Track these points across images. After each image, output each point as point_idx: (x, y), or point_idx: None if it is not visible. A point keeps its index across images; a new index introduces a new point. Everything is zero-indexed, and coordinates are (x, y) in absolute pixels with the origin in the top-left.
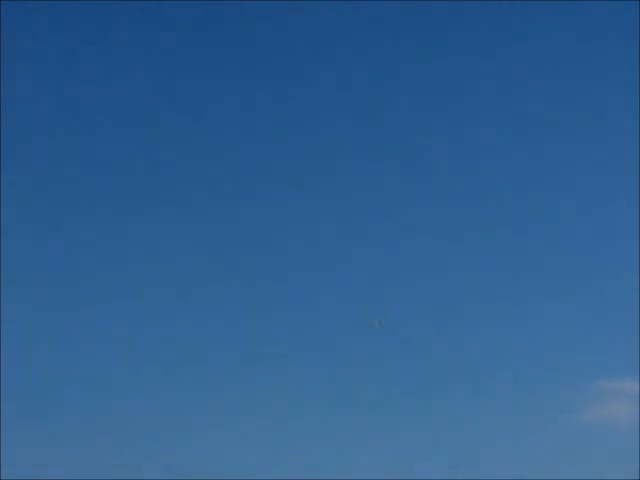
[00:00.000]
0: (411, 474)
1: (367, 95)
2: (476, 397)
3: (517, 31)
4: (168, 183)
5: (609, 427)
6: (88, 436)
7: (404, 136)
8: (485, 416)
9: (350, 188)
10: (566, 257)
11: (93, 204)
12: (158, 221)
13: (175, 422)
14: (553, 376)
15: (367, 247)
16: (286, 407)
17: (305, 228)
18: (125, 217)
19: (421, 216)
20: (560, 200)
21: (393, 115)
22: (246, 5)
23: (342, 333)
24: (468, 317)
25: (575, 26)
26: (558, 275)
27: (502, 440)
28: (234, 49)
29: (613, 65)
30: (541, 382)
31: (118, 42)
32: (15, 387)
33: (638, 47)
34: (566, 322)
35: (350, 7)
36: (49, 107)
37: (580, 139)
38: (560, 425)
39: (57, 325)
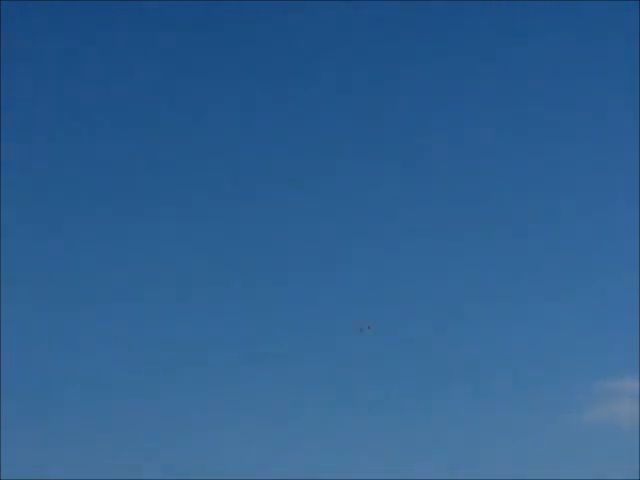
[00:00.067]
0: (411, 474)
1: (367, 95)
2: (476, 397)
3: (517, 31)
4: (168, 183)
5: (611, 426)
6: (88, 436)
7: (404, 136)
8: (485, 416)
9: (350, 188)
10: (566, 257)
11: (93, 204)
12: (158, 221)
13: (175, 422)
14: (554, 376)
15: (367, 247)
16: (286, 407)
17: (305, 228)
18: (125, 217)
19: (421, 216)
20: (560, 200)
21: (393, 115)
22: (246, 5)
23: (342, 333)
24: (468, 317)
25: (575, 26)
26: (558, 275)
27: (502, 440)
28: (234, 49)
29: (613, 65)
30: (542, 382)
31: (118, 42)
32: (15, 387)
33: (638, 47)
34: (566, 322)
35: (350, 7)
36: (49, 107)
37: (580, 139)
38: (562, 425)
39: (57, 325)
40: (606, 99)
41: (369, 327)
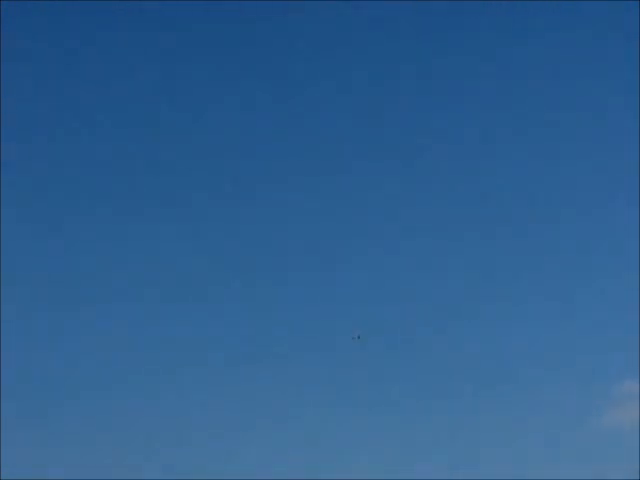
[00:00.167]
0: (411, 474)
1: (367, 95)
2: (476, 397)
3: (517, 31)
4: (168, 183)
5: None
6: (88, 436)
7: (404, 136)
8: (485, 416)
9: (350, 188)
10: (566, 257)
11: (93, 204)
12: (158, 221)
13: (175, 422)
14: (553, 376)
15: (367, 247)
16: (286, 407)
17: (305, 228)
18: (125, 217)
19: (421, 216)
20: (560, 200)
21: (393, 115)
22: (246, 5)
23: (342, 333)
24: (468, 317)
25: (575, 26)
26: (558, 275)
27: (502, 440)
28: (234, 49)
29: (613, 65)
30: (542, 382)
31: (118, 42)
32: (15, 387)
33: (638, 47)
34: (566, 322)
35: (350, 7)
36: (49, 107)
37: (580, 139)
38: (562, 425)
39: (57, 325)
40: (606, 99)
41: (359, 336)
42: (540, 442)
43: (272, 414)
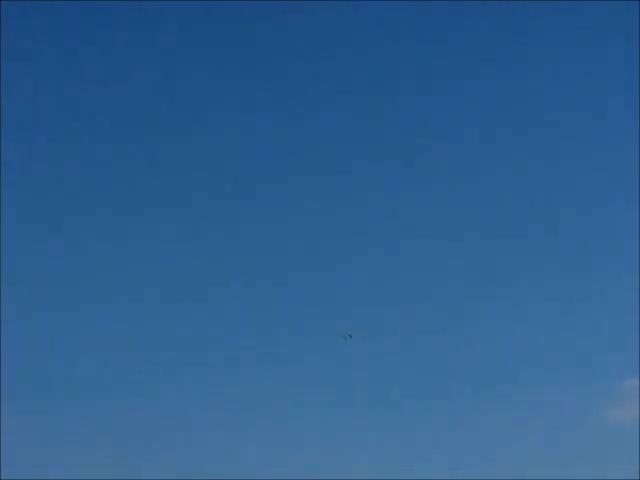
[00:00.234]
0: (411, 474)
1: (367, 95)
2: (476, 397)
3: (517, 31)
4: (168, 183)
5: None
6: (88, 436)
7: (404, 136)
8: (485, 416)
9: (350, 188)
10: (566, 257)
11: (93, 204)
12: (158, 221)
13: (175, 422)
14: (553, 376)
15: (367, 247)
16: (286, 407)
17: (305, 228)
18: (125, 217)
19: (421, 216)
20: (560, 200)
21: (393, 115)
22: (246, 5)
23: (347, 331)
24: (468, 317)
25: (575, 26)
26: (558, 275)
27: (502, 440)
28: (234, 49)
29: (613, 65)
30: (541, 382)
31: (118, 42)
32: (15, 387)
33: (638, 47)
34: (565, 322)
35: (350, 7)
36: (49, 107)
37: (580, 139)
38: (562, 425)
39: (57, 325)
40: (606, 99)
41: (350, 335)
42: (540, 442)
43: (272, 414)
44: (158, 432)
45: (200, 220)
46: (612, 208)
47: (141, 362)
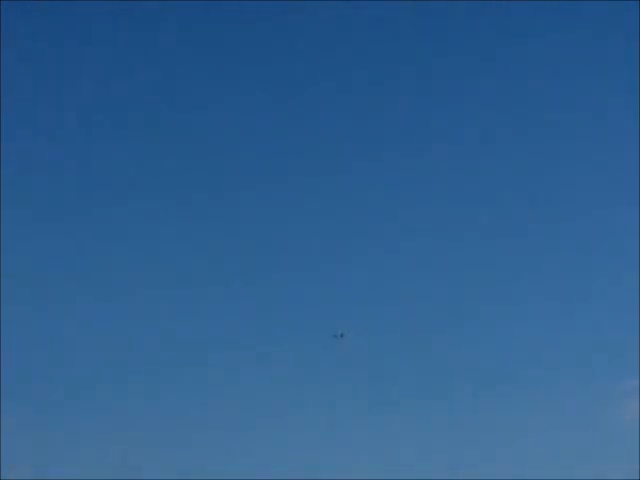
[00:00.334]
0: (411, 474)
1: (367, 95)
2: (476, 397)
3: (517, 31)
4: (168, 183)
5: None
6: (88, 436)
7: (404, 136)
8: (485, 416)
9: (350, 188)
10: (566, 257)
11: (93, 204)
12: (158, 221)
13: (175, 422)
14: (552, 377)
15: (367, 247)
16: (286, 407)
17: (305, 228)
18: (125, 217)
19: (421, 216)
20: (560, 200)
21: (393, 115)
22: (246, 5)
23: (346, 331)
24: (468, 317)
25: (575, 26)
26: (558, 275)
27: (502, 440)
28: (234, 49)
29: (613, 65)
30: (541, 382)
31: (118, 42)
32: (15, 387)
33: (638, 47)
34: (565, 322)
35: (350, 7)
36: (49, 107)
37: (580, 139)
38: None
39: (57, 325)
40: (606, 99)
41: (341, 335)
42: (540, 442)
43: (272, 414)
44: (158, 432)
45: (200, 220)
46: (612, 208)
47: (141, 362)
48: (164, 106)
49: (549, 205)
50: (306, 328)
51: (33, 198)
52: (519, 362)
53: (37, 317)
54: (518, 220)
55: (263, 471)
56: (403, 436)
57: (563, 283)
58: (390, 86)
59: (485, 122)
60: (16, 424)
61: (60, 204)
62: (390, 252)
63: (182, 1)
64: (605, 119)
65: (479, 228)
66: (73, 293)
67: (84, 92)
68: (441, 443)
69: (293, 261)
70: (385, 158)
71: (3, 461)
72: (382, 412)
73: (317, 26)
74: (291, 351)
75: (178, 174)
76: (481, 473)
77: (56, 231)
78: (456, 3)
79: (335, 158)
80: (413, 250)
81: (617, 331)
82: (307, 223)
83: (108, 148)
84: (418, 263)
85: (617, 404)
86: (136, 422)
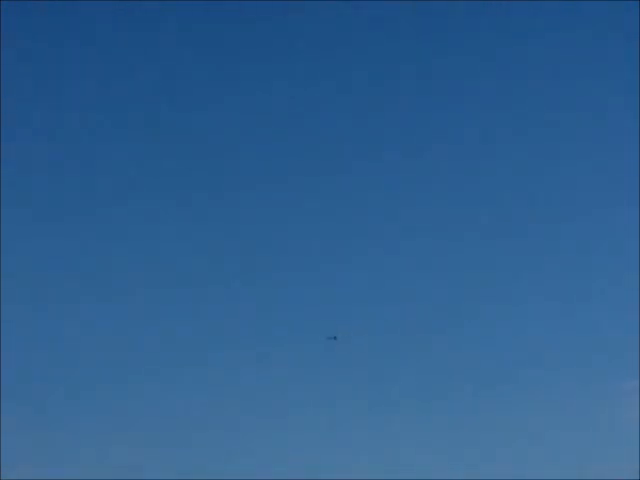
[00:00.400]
0: (411, 474)
1: (367, 95)
2: (476, 397)
3: (517, 31)
4: (168, 183)
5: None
6: (88, 436)
7: (404, 136)
8: (485, 416)
9: (350, 188)
10: (566, 257)
11: (93, 204)
12: (158, 221)
13: (175, 422)
14: (552, 377)
15: (367, 247)
16: (286, 407)
17: (305, 228)
18: (125, 217)
19: (421, 216)
20: (560, 200)
21: (393, 115)
22: (246, 5)
23: (342, 333)
24: (468, 317)
25: (575, 26)
26: (558, 275)
27: (502, 440)
28: (234, 49)
29: (613, 65)
30: (540, 382)
31: (118, 42)
32: (15, 387)
33: (638, 47)
34: (565, 322)
35: (350, 7)
36: (49, 107)
37: (580, 139)
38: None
39: (57, 325)
40: (606, 99)
41: (335, 337)
42: (540, 442)
43: (272, 414)
44: (158, 432)
45: (200, 220)
46: (612, 208)
47: (141, 362)
48: (164, 106)
49: (549, 205)
50: (306, 328)
51: (33, 198)
52: (519, 362)
53: (37, 317)
54: (518, 220)
55: (263, 471)
56: (403, 436)
57: (563, 283)
58: (390, 86)
59: (485, 122)
60: (16, 424)
61: (60, 204)
62: (390, 252)
63: (182, 1)
64: (605, 119)
65: (479, 228)
66: (73, 293)
67: (84, 92)
68: (441, 443)
69: (293, 261)
70: (385, 158)
71: (3, 461)
72: (382, 412)
73: (317, 26)
74: (291, 351)
75: (178, 174)
76: (481, 473)
77: (56, 231)
78: (456, 3)
79: (335, 158)
80: (413, 250)
81: (617, 331)
82: (307, 223)
83: (108, 148)
84: (418, 263)
85: (617, 404)
86: (136, 422)
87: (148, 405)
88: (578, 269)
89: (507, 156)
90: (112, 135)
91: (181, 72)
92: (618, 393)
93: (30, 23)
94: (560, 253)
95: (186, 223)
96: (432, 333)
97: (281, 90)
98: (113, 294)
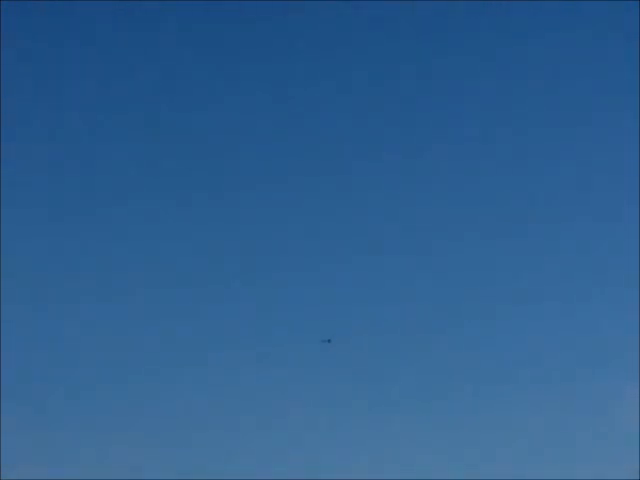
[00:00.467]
0: (411, 474)
1: (367, 95)
2: (476, 397)
3: (517, 31)
4: (168, 183)
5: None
6: (88, 436)
7: (404, 136)
8: (485, 416)
9: (350, 188)
10: (566, 257)
11: (93, 204)
12: (158, 221)
13: (175, 422)
14: (551, 377)
15: (367, 247)
16: (286, 407)
17: (305, 228)
18: (125, 217)
19: (421, 216)
20: (560, 200)
21: (393, 115)
22: (246, 5)
23: (342, 333)
24: (468, 317)
25: (575, 26)
26: (558, 275)
27: (502, 440)
28: (234, 49)
29: (613, 65)
30: (540, 382)
31: (118, 42)
32: (15, 387)
33: (638, 47)
34: (565, 322)
35: (350, 7)
36: (49, 107)
37: (580, 139)
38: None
39: (57, 325)
40: (606, 99)
41: (329, 340)
42: (540, 442)
43: (272, 414)
44: (158, 432)
45: (200, 220)
46: (612, 208)
47: (141, 362)
48: (164, 106)
49: (549, 205)
50: (306, 328)
51: (33, 198)
52: (519, 362)
53: (37, 317)
54: (518, 220)
55: (263, 471)
56: (403, 436)
57: (563, 283)
58: (390, 86)
59: (485, 122)
60: (16, 424)
61: (60, 204)
62: (390, 252)
63: (182, 1)
64: (605, 119)
65: (479, 228)
66: (73, 293)
67: (84, 92)
68: (441, 443)
69: (293, 261)
70: (385, 158)
71: (3, 461)
72: (382, 412)
73: (317, 26)
74: (291, 351)
75: (178, 174)
76: (481, 473)
77: (56, 231)
78: (456, 3)
79: (335, 158)
80: (413, 250)
81: (617, 331)
82: (307, 223)
83: (108, 148)
84: (418, 263)
85: (617, 404)
86: (136, 422)
87: (148, 405)
88: (578, 269)
89: (507, 156)
90: (112, 135)
91: (181, 72)
92: (618, 393)
93: (30, 23)
94: (560, 253)
95: (186, 223)
96: (432, 333)
97: (281, 90)
98: (113, 294)
